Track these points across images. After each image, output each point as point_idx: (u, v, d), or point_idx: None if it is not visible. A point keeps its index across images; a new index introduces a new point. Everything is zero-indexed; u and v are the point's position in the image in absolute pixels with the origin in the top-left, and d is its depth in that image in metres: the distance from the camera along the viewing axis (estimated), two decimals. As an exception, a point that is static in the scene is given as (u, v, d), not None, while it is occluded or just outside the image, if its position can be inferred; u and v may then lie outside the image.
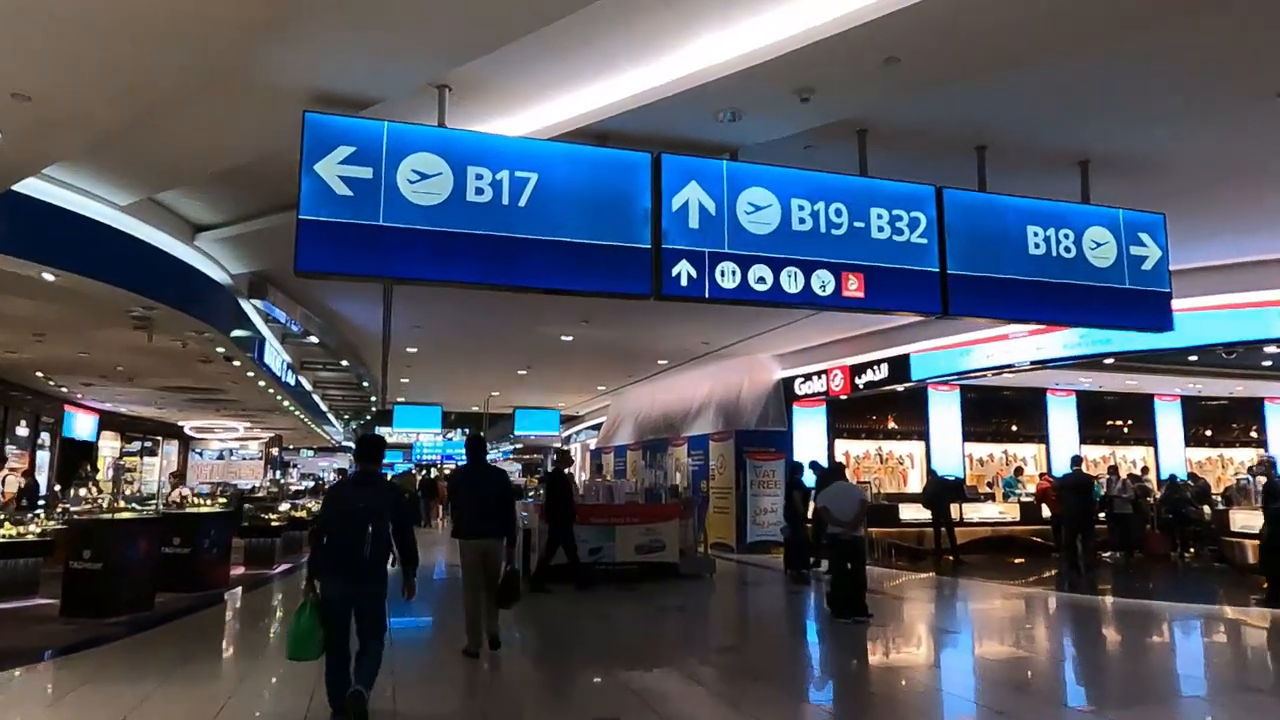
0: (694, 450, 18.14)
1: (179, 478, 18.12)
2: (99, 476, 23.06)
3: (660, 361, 18.03)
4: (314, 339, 13.70)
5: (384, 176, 5.32)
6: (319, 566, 5.21)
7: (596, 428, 29.25)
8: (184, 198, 8.02)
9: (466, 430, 46.66)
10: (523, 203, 5.55)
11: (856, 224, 6.26)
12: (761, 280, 5.98)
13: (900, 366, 13.90)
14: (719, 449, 16.80)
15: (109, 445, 24.96)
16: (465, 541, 6.95)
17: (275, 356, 13.58)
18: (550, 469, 11.92)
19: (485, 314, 13.47)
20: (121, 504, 12.31)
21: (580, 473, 32.45)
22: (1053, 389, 17.82)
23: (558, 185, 5.65)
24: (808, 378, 16.20)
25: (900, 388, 14.71)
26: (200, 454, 31.63)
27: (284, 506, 14.34)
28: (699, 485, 17.23)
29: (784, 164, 6.16)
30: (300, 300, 11.97)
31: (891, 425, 17.24)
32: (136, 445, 26.98)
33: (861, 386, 14.80)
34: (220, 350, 10.92)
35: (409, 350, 16.83)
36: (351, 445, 47.45)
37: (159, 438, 28.41)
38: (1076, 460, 13.44)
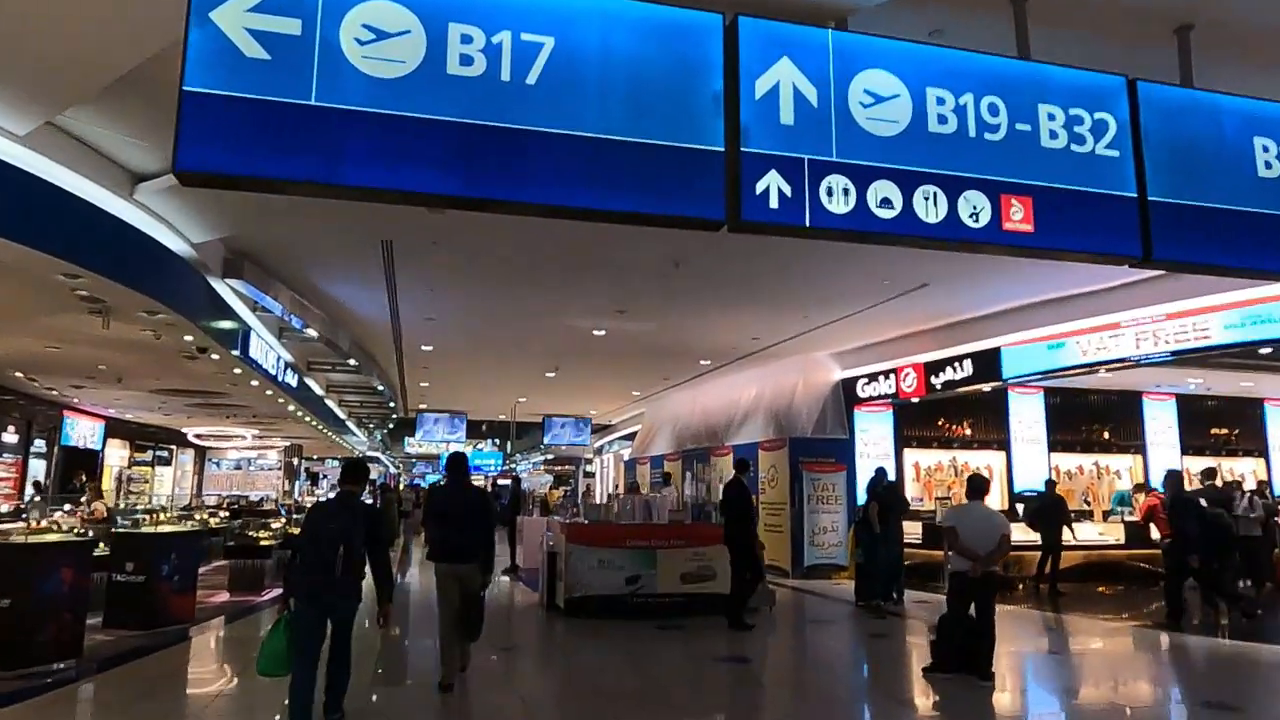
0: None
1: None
2: (104, 487, 21.59)
3: (703, 362, 16.06)
4: (313, 333, 11.93)
5: (319, 33, 3.41)
6: (293, 584, 5.27)
7: (629, 438, 27.30)
8: (114, 134, 6.26)
9: (496, 440, 45.04)
10: (531, 79, 3.62)
11: (1019, 126, 4.25)
12: (886, 204, 4.00)
13: (988, 363, 11.78)
14: (770, 459, 14.76)
15: (118, 454, 23.50)
16: (441, 565, 6.46)
17: (267, 352, 11.82)
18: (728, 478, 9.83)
19: (505, 303, 11.62)
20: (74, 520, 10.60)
21: (608, 486, 30.54)
22: (1150, 392, 15.54)
23: (584, 55, 3.71)
24: (872, 378, 14.12)
25: (988, 387, 12.59)
26: (217, 464, 30.19)
27: (277, 523, 12.55)
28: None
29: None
30: (287, 281, 10.18)
31: (967, 432, 15.07)
32: (149, 455, 25.51)
33: (939, 387, 12.69)
34: (189, 339, 9.18)
35: (424, 349, 15.04)
36: (378, 456, 46.08)
37: (172, 447, 26.97)
38: (1210, 473, 11.21)
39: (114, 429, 22.59)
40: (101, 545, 8.25)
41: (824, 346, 14.41)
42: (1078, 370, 10.62)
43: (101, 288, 7.15)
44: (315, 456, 39.04)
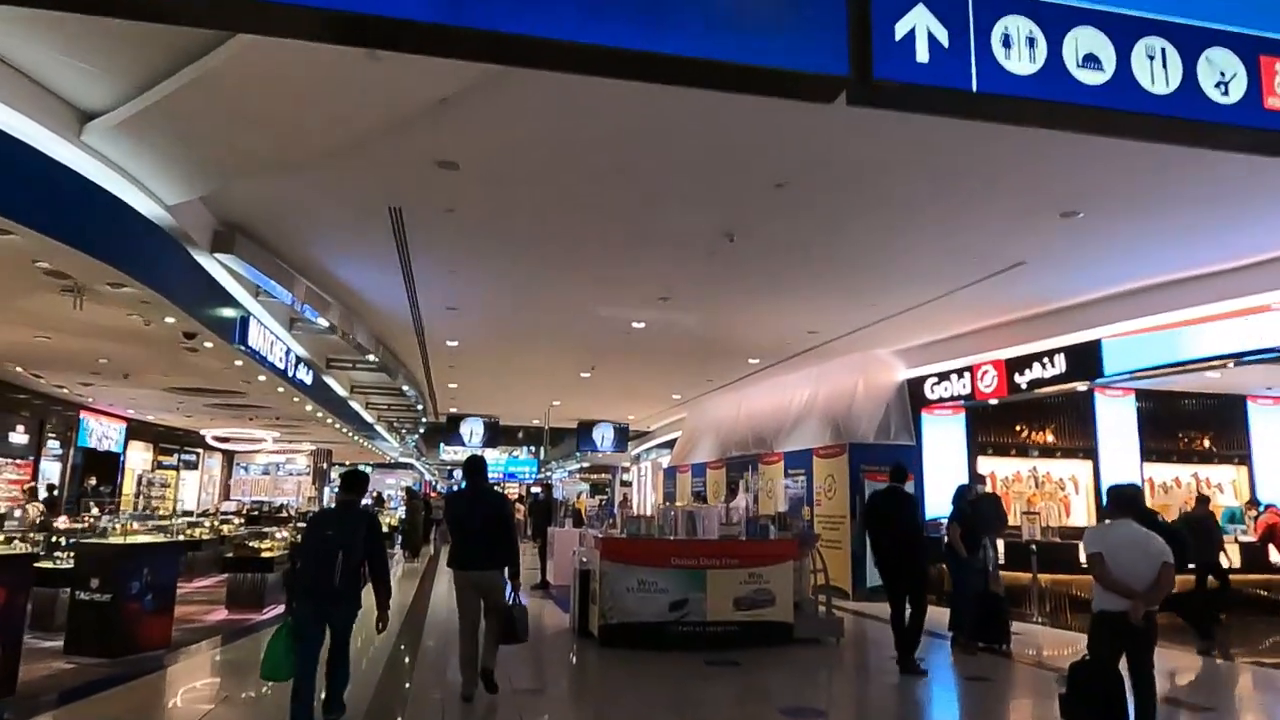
0: (793, 468, 14.62)
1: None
2: (124, 491, 20.75)
3: (751, 361, 14.62)
4: (324, 322, 10.76)
5: None
6: (294, 590, 5.41)
7: (668, 445, 25.88)
8: (53, 56, 5.07)
9: (532, 448, 43.86)
10: None
11: (1285, -43, 2.85)
12: (1092, 63, 2.61)
13: (1085, 358, 10.17)
14: (827, 467, 13.26)
15: (141, 457, 22.70)
16: (460, 573, 6.22)
17: (272, 343, 10.66)
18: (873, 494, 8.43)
19: (534, 288, 10.32)
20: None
21: (646, 495, 29.12)
22: (1259, 395, 13.75)
23: None
24: (943, 377, 12.57)
25: (1084, 386, 10.98)
26: (245, 469, 29.38)
27: (284, 532, 11.35)
28: (798, 511, 13.77)
29: None
30: (288, 260, 8.98)
31: (1048, 439, 13.42)
32: (175, 459, 24.72)
33: (1024, 386, 11.11)
34: (170, 321, 8.01)
35: (449, 344, 13.81)
36: (411, 462, 45.15)
37: (199, 451, 26.17)
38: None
39: (136, 431, 21.78)
40: (62, 558, 7.06)
41: (887, 342, 12.90)
42: (1205, 364, 8.99)
43: (45, 250, 5.96)
44: (347, 463, 38.22)
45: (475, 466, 6.50)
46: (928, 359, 12.82)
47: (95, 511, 15.20)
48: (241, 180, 6.86)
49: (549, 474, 41.96)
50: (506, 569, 6.19)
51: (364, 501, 6.46)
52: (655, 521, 8.69)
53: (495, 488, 7.42)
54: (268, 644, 5.12)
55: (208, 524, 14.08)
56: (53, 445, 17.38)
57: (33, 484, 16.68)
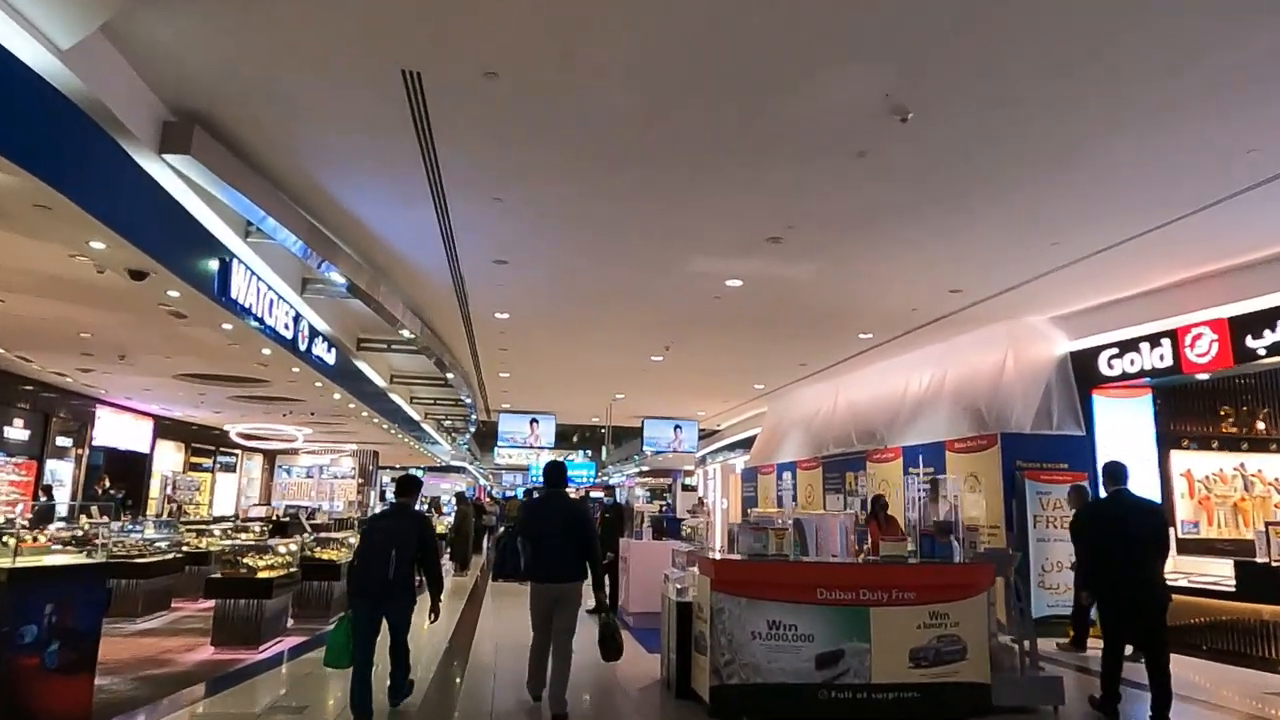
0: (915, 466, 11.77)
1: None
2: (152, 495, 18.76)
3: (862, 336, 11.80)
4: (338, 278, 8.33)
5: None
6: (354, 588, 5.58)
7: (740, 446, 23.10)
8: None
9: (588, 451, 41.33)
10: None
11: None
12: None
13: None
14: (968, 464, 10.38)
15: (173, 458, 20.73)
16: (535, 585, 5.86)
17: (271, 302, 8.24)
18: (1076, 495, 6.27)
19: (607, 231, 7.74)
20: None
21: (716, 501, 26.34)
22: None
23: None
24: (1126, 347, 9.61)
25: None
26: (288, 471, 27.39)
27: (288, 546, 8.87)
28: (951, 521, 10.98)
29: None
30: (278, 178, 6.52)
31: (1259, 427, 10.33)
32: (211, 460, 22.75)
33: (1261, 353, 8.13)
34: (98, 246, 5.59)
35: (499, 316, 11.29)
36: (464, 465, 42.98)
37: (237, 452, 24.19)
38: None
39: (167, 430, 19.81)
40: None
41: (1045, 306, 9.99)
42: None
43: None
44: (397, 466, 36.23)
45: (554, 472, 6.26)
46: (1100, 325, 9.87)
47: (94, 518, 13.08)
48: (181, 22, 4.41)
49: (606, 478, 39.42)
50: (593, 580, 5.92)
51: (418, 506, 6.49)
52: (787, 537, 5.96)
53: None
54: (330, 635, 5.53)
55: (218, 532, 11.79)
56: (62, 442, 15.35)
57: (49, 485, 14.72)
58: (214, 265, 6.81)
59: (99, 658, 7.39)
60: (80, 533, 11.50)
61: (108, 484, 15.39)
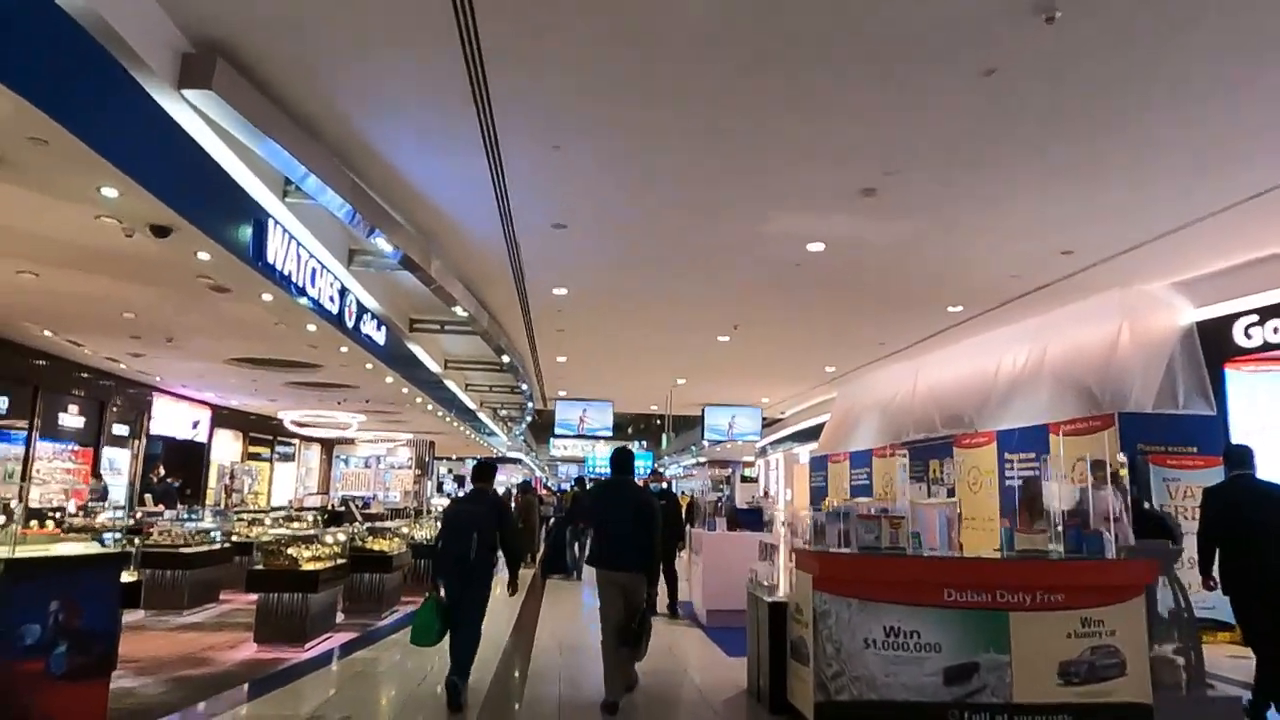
0: (1013, 450, 10.67)
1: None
2: (210, 484, 18.55)
3: (952, 309, 10.71)
4: (385, 245, 7.62)
5: None
6: (438, 567, 5.88)
7: (803, 436, 22.03)
8: None
9: (644, 441, 40.54)
10: None
11: None
12: None
13: None
14: (1077, 447, 9.23)
15: (231, 447, 20.54)
16: (601, 572, 5.76)
17: (314, 271, 7.57)
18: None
19: (678, 183, 6.86)
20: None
21: (779, 492, 25.28)
22: None
23: None
24: (1268, 314, 8.41)
25: None
26: (346, 461, 27.17)
27: (337, 536, 8.21)
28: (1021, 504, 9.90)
29: None
30: (315, 125, 5.80)
31: None
32: (269, 450, 22.56)
33: None
34: (110, 193, 4.91)
35: (556, 292, 10.50)
36: (519, 456, 42.61)
37: (295, 441, 23.97)
38: None
39: (224, 419, 19.60)
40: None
41: (1166, 270, 8.81)
42: None
43: None
44: (454, 456, 35.97)
45: (621, 459, 6.20)
46: (1234, 289, 8.66)
47: (147, 507, 12.74)
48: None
49: (662, 467, 38.58)
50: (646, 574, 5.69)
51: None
52: (903, 527, 5.01)
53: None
54: (417, 614, 5.75)
55: (268, 521, 11.28)
56: (120, 431, 15.11)
57: (98, 472, 14.47)
58: (247, 225, 6.14)
59: (134, 654, 6.86)
60: (132, 521, 11.12)
61: (163, 472, 15.10)
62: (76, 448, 13.76)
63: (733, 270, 9.31)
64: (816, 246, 8.36)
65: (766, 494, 19.08)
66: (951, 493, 11.75)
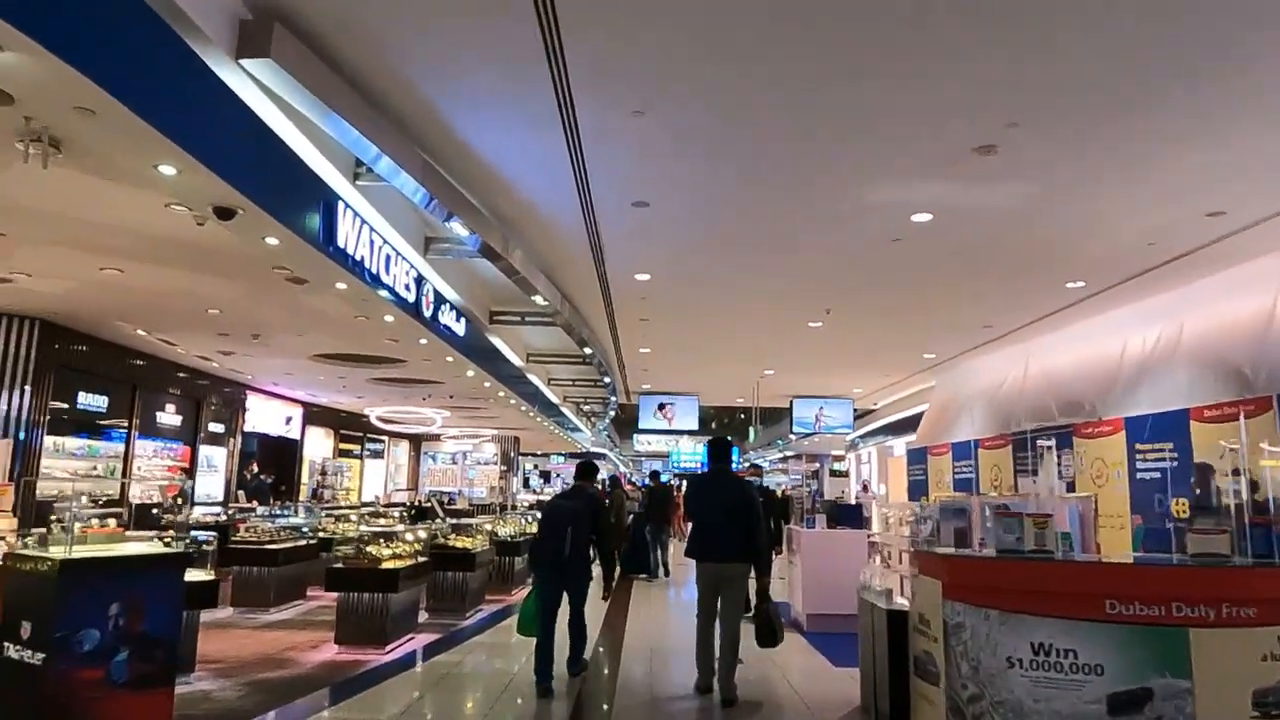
0: (1144, 441, 9.62)
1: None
2: (302, 481, 18.84)
3: (1071, 285, 9.70)
4: (460, 229, 7.26)
5: None
6: (535, 562, 6.09)
7: (897, 428, 21.00)
8: None
9: (730, 437, 39.81)
10: None
11: None
12: None
13: None
14: (1222, 434, 8.20)
15: (323, 444, 20.87)
16: (700, 564, 5.87)
17: (388, 258, 7.26)
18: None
19: (771, 154, 6.25)
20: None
21: (876, 487, 24.21)
22: None
23: None
24: None
25: None
26: (433, 458, 27.42)
27: (413, 534, 7.91)
28: (1161, 503, 8.97)
29: None
30: (367, 90, 5.41)
31: None
32: (359, 447, 22.86)
33: None
34: (168, 171, 4.63)
35: (638, 278, 9.99)
36: (603, 452, 42.45)
37: (384, 439, 24.26)
38: None
39: (316, 416, 19.89)
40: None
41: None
42: None
43: None
44: (540, 452, 36.04)
45: (719, 449, 6.27)
46: None
47: (240, 503, 12.86)
48: None
49: (747, 463, 37.74)
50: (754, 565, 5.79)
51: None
52: (1050, 527, 4.29)
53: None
54: (521, 606, 6.03)
55: (354, 518, 11.17)
56: (216, 429, 15.40)
57: (185, 468, 14.73)
58: (316, 207, 5.83)
59: (216, 654, 6.70)
60: (212, 518, 11.17)
61: (256, 469, 15.32)
62: (175, 445, 14.03)
63: (827, 249, 8.61)
64: (922, 218, 7.58)
65: (865, 488, 18.16)
66: (1071, 487, 10.76)
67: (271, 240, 5.67)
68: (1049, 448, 6.87)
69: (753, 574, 5.86)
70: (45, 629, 3.71)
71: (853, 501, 14.41)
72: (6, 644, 3.85)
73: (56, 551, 3.80)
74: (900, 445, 21.18)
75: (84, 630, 3.79)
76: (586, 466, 6.77)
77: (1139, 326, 10.32)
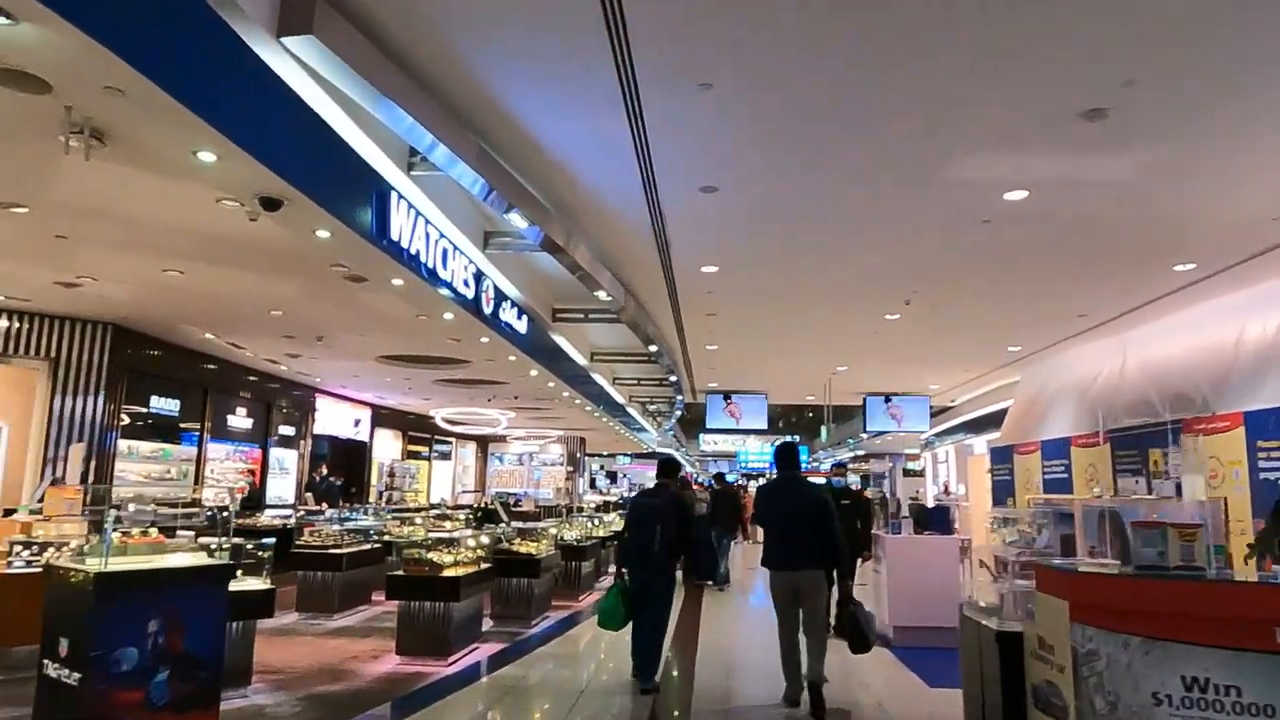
0: (1267, 438, 8.70)
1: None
2: (371, 483, 18.91)
3: (1179, 268, 8.85)
4: (520, 221, 6.91)
5: None
6: (624, 559, 6.26)
7: (974, 426, 19.99)
8: None
9: (795, 436, 38.96)
10: None
11: None
12: None
13: None
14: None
15: (392, 446, 20.96)
16: (774, 573, 5.69)
17: (445, 252, 6.95)
18: None
19: (849, 122, 5.70)
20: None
21: (955, 487, 23.15)
22: None
23: None
24: None
25: None
26: (500, 459, 27.39)
27: (476, 539, 7.59)
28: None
29: None
30: (415, 69, 5.07)
31: None
32: (426, 449, 22.93)
33: None
34: (208, 158, 4.35)
35: (705, 270, 9.51)
36: (670, 452, 42.05)
37: (452, 440, 24.30)
38: None
39: (384, 418, 19.97)
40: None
41: None
42: None
43: None
44: (606, 453, 35.81)
45: (787, 455, 6.13)
46: None
47: (309, 505, 12.83)
48: None
49: (817, 463, 36.82)
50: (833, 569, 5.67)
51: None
52: (1199, 540, 3.67)
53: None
54: (604, 600, 6.00)
55: (419, 520, 10.97)
56: (286, 431, 15.50)
57: (251, 469, 14.82)
58: (367, 198, 5.54)
59: (274, 663, 6.49)
60: (293, 520, 11.10)
61: (325, 471, 15.37)
62: (246, 448, 14.13)
63: (909, 234, 7.98)
64: (1016, 195, 6.91)
65: (947, 489, 17.28)
66: (1179, 489, 9.84)
67: (323, 233, 5.39)
68: (1173, 447, 6.13)
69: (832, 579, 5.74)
70: (81, 647, 3.46)
71: (930, 503, 13.65)
72: (47, 661, 3.62)
73: (93, 564, 3.55)
74: (980, 443, 20.17)
75: (121, 649, 3.53)
76: (668, 463, 6.81)
77: (1257, 312, 9.36)
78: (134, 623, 3.57)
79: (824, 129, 5.79)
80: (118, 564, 3.64)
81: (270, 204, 4.78)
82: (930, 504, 13.79)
